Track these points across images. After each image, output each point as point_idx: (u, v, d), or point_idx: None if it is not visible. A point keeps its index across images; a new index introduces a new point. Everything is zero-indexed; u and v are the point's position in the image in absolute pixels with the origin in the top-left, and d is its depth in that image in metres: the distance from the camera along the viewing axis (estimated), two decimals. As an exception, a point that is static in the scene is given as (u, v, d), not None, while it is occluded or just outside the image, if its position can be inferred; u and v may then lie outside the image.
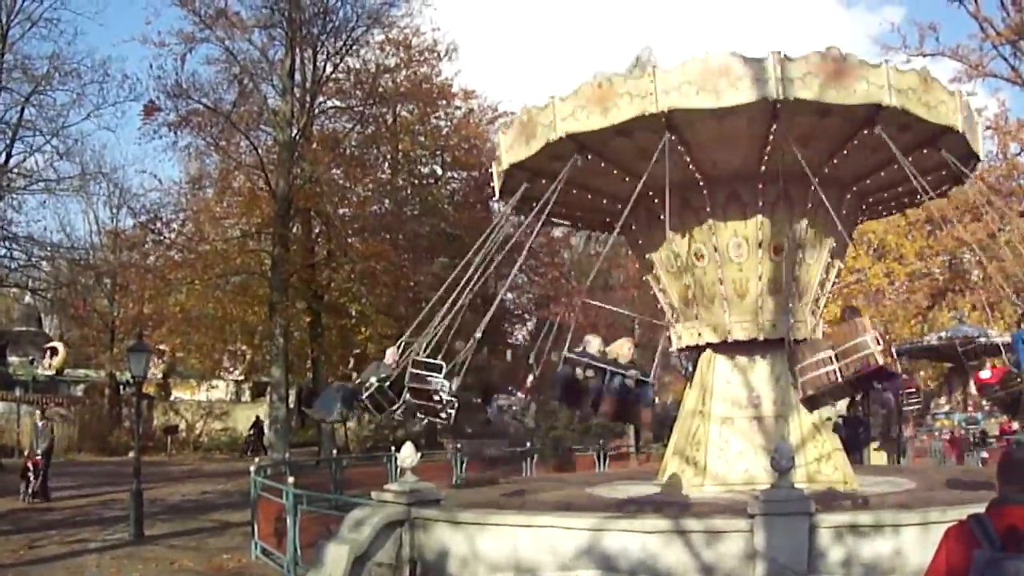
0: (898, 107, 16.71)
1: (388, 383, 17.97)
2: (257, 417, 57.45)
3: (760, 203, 19.14)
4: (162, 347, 53.65)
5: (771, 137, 17.37)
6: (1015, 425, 31.33)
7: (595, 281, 50.30)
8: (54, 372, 59.93)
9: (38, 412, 33.99)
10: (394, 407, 17.96)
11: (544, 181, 19.23)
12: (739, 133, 17.46)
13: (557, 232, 53.37)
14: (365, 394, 18.25)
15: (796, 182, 18.48)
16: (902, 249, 48.24)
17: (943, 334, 38.96)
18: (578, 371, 17.44)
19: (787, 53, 16.37)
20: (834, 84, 16.47)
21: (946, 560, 5.51)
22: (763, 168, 18.34)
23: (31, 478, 29.15)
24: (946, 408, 38.80)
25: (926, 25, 47.58)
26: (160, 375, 64.23)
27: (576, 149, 18.29)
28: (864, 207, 22.30)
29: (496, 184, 21.63)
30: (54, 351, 60.88)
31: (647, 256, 21.46)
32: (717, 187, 19.28)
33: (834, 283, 21.95)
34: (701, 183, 19.12)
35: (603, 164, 19.05)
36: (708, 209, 19.47)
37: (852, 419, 31.84)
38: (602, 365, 17.88)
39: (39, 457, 29.56)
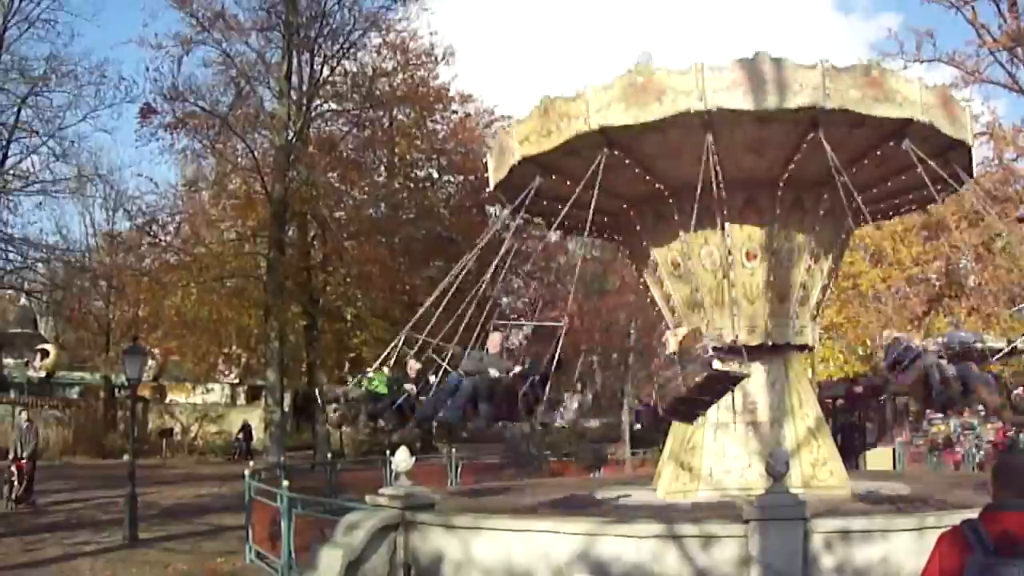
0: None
1: (538, 378, 16.13)
2: (245, 421, 57.43)
3: (747, 210, 19.14)
4: (155, 351, 53.60)
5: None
6: (1011, 432, 31.31)
7: (591, 286, 50.31)
8: (45, 374, 59.74)
9: (23, 413, 33.58)
10: (539, 406, 16.95)
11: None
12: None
13: (553, 236, 53.32)
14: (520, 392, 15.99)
15: (782, 188, 18.53)
16: (898, 254, 48.25)
17: (939, 339, 38.83)
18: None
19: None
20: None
21: (939, 566, 5.49)
22: (741, 176, 18.35)
23: (15, 482, 28.67)
24: (940, 414, 38.68)
25: (923, 31, 47.53)
26: (151, 377, 64.17)
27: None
28: (859, 212, 22.27)
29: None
30: (44, 353, 60.68)
31: (641, 262, 21.47)
32: (681, 197, 19.30)
33: (825, 286, 21.86)
34: (666, 194, 19.17)
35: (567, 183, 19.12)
36: (675, 219, 19.48)
37: (849, 424, 31.80)
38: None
39: (23, 460, 29.14)
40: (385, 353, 18.94)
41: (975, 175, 21.87)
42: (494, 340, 17.47)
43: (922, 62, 46.95)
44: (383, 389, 17.16)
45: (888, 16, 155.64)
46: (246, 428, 56.22)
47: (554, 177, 18.95)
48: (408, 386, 16.96)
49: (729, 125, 16.89)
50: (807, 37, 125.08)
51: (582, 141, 17.69)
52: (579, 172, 18.31)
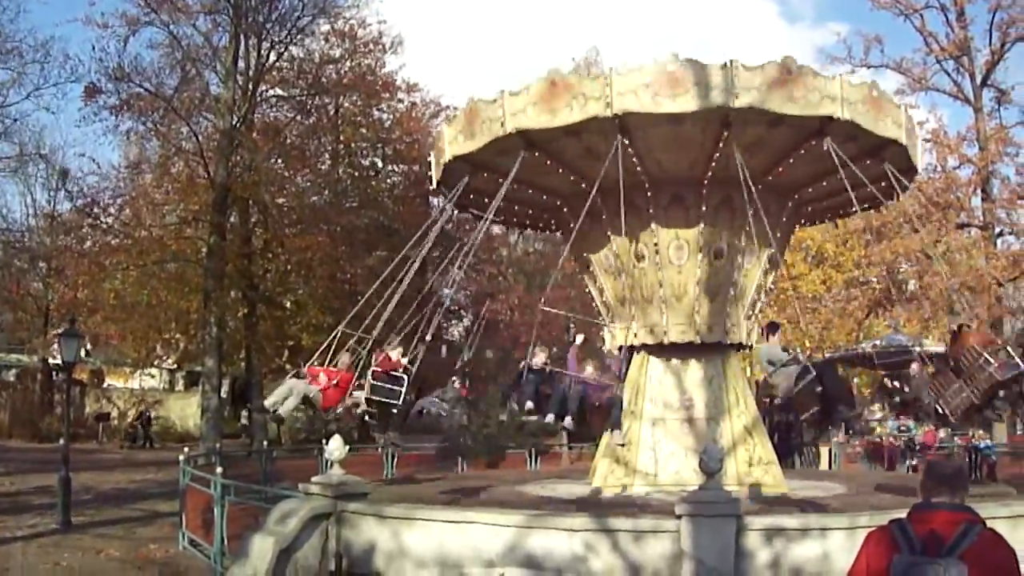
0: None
1: None
2: (144, 408, 57.04)
3: (701, 208, 19.18)
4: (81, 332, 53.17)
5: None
6: (941, 434, 31.54)
7: (532, 280, 50.38)
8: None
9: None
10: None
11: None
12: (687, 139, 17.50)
13: (496, 229, 53.26)
14: None
15: (738, 189, 18.57)
16: (840, 257, 48.66)
17: (878, 342, 39.24)
18: None
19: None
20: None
21: (866, 564, 5.52)
22: (707, 173, 18.40)
23: None
24: (878, 415, 39.02)
25: (872, 37, 47.97)
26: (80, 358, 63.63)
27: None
28: (805, 214, 22.39)
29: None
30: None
31: (584, 255, 21.40)
32: (660, 190, 19.26)
33: (770, 289, 21.99)
34: (645, 185, 19.09)
35: (548, 163, 18.93)
36: (650, 211, 19.45)
37: (785, 424, 31.90)
38: None
39: None
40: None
41: (918, 182, 22.16)
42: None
43: (869, 67, 47.48)
44: None
45: (835, 25, 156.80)
46: (144, 414, 55.89)
47: (537, 154, 18.43)
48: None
49: (745, 124, 16.93)
50: (752, 44, 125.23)
51: (594, 124, 17.05)
52: (569, 153, 18.23)
